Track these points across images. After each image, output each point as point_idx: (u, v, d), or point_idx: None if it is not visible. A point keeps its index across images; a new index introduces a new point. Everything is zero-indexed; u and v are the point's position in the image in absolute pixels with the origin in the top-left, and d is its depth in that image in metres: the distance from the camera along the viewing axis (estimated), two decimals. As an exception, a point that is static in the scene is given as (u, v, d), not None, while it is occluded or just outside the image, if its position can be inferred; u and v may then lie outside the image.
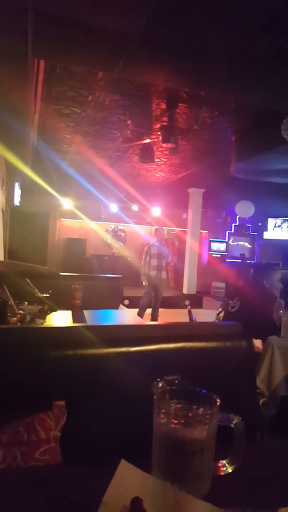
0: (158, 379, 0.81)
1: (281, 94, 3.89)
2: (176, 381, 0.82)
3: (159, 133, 5.99)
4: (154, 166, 8.89)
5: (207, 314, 8.35)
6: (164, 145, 6.04)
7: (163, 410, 0.72)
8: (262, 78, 3.66)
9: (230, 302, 3.66)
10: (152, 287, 7.66)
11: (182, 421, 0.71)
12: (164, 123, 5.84)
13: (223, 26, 2.95)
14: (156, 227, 8.77)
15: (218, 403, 0.73)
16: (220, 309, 4.02)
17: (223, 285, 12.49)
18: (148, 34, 3.05)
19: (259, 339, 3.36)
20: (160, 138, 5.92)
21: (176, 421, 0.71)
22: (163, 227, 8.59)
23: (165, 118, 5.74)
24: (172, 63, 3.51)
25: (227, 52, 3.27)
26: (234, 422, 0.75)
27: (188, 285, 10.92)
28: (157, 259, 7.65)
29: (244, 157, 6.19)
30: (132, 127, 5.85)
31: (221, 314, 3.86)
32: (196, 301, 10.65)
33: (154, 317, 7.76)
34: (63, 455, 1.09)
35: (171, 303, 10.27)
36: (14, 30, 3.03)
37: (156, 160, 7.67)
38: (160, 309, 8.54)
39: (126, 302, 7.82)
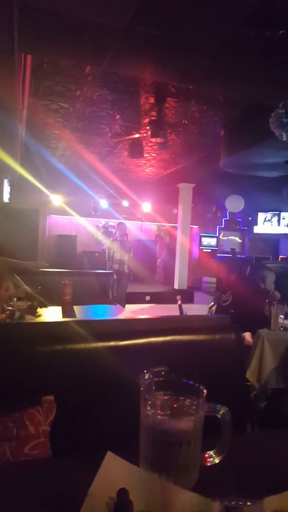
0: (145, 371, 0.81)
1: (268, 87, 3.89)
2: (163, 373, 0.82)
3: (148, 127, 5.97)
4: (144, 161, 8.87)
5: (198, 309, 8.38)
6: (153, 139, 6.03)
7: (150, 402, 0.72)
8: (250, 71, 3.66)
9: (222, 296, 3.68)
10: (116, 281, 7.82)
11: (169, 412, 0.72)
12: (153, 118, 5.82)
13: (210, 19, 2.94)
14: (119, 221, 8.92)
15: (204, 394, 0.73)
16: (212, 303, 4.04)
17: (214, 280, 12.53)
18: (134, 27, 3.03)
19: (251, 332, 3.38)
20: (149, 132, 5.90)
21: (162, 412, 0.71)
22: (124, 222, 8.78)
23: (153, 113, 5.72)
24: (159, 57, 3.50)
25: (214, 45, 3.26)
26: (220, 412, 0.75)
27: (179, 280, 10.93)
28: (120, 253, 7.88)
29: (233, 151, 6.20)
30: (121, 122, 5.83)
31: (213, 308, 3.87)
32: (187, 296, 10.67)
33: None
34: (53, 449, 1.09)
35: (162, 298, 10.28)
36: (-1, 24, 3.00)
37: (145, 155, 7.66)
38: (151, 305, 8.57)
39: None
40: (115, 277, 7.79)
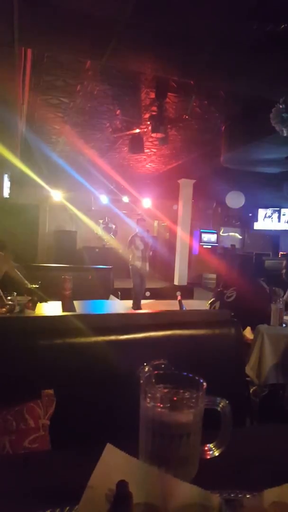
0: (145, 364, 0.81)
1: (270, 81, 3.88)
2: (163, 366, 0.82)
3: (149, 123, 5.95)
4: (144, 157, 8.85)
5: (198, 305, 8.38)
6: (153, 135, 6.01)
7: (149, 394, 0.72)
8: (251, 65, 3.64)
9: (225, 292, 3.65)
10: (139, 277, 7.59)
11: (169, 405, 0.71)
12: (154, 113, 5.80)
13: (211, 12, 2.92)
14: (139, 217, 8.65)
15: (204, 387, 0.73)
16: (213, 299, 4.00)
17: (214, 276, 12.53)
18: (135, 21, 3.01)
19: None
20: (150, 128, 5.89)
21: (162, 405, 0.71)
22: (144, 218, 8.43)
23: (154, 108, 5.70)
24: (159, 51, 3.48)
25: (215, 39, 3.24)
26: (220, 405, 0.75)
27: (179, 277, 10.94)
28: (141, 250, 7.63)
29: (234, 147, 6.19)
30: (121, 117, 5.81)
31: (217, 304, 3.84)
32: (187, 292, 10.68)
33: (137, 307, 7.74)
34: (52, 442, 1.09)
35: (162, 294, 10.29)
36: (-1, 17, 2.98)
37: (146, 150, 7.64)
38: (151, 301, 8.53)
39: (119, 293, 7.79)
40: (133, 274, 7.61)
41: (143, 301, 8.35)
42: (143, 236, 7.74)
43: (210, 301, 3.94)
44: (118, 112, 5.83)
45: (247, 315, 2.96)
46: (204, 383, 0.74)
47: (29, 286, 2.90)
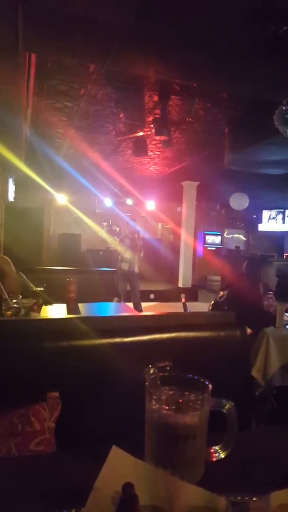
0: (150, 366, 0.81)
1: (273, 83, 3.87)
2: (168, 368, 0.82)
3: (152, 125, 5.96)
4: (148, 159, 8.85)
5: (202, 307, 8.34)
6: (157, 137, 6.01)
7: (155, 397, 0.72)
8: (254, 68, 3.64)
9: (220, 292, 3.67)
10: (124, 281, 7.48)
11: (174, 407, 0.71)
12: (157, 116, 5.81)
13: (214, 15, 2.93)
14: (130, 218, 8.61)
15: (210, 389, 0.73)
16: (212, 301, 4.01)
17: (218, 278, 12.51)
18: (138, 25, 3.02)
19: (249, 328, 3.35)
20: (153, 130, 5.89)
21: (167, 407, 0.71)
22: (134, 219, 8.43)
23: (157, 111, 5.70)
24: (163, 54, 3.49)
25: (218, 42, 3.25)
26: (226, 407, 0.75)
27: (183, 279, 10.92)
28: (131, 251, 7.50)
29: (238, 149, 6.19)
30: (125, 120, 5.81)
31: (211, 303, 3.85)
32: (191, 294, 10.65)
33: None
34: (58, 444, 1.09)
35: (167, 296, 10.28)
36: (4, 23, 2.99)
37: (149, 153, 7.63)
38: (155, 303, 8.50)
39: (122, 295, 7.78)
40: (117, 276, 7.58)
41: (146, 304, 8.30)
42: (133, 237, 7.65)
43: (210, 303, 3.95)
44: (121, 115, 5.84)
45: (238, 311, 2.94)
46: (210, 385, 0.74)
47: (34, 289, 2.90)
